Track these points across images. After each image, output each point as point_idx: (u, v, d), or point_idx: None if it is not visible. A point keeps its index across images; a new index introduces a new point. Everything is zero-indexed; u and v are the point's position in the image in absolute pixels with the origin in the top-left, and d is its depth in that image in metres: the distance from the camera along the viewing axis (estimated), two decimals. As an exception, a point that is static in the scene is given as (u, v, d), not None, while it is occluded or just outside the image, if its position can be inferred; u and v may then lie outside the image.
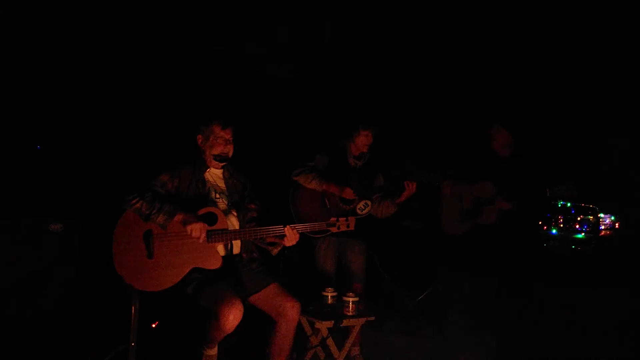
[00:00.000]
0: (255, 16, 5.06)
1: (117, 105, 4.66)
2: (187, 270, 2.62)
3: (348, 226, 2.88)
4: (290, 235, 2.72)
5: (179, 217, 2.58)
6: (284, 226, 2.71)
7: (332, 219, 2.86)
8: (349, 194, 3.44)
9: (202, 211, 2.65)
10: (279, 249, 2.85)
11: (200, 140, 2.86)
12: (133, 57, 4.78)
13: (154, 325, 3.09)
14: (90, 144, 4.49)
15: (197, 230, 2.56)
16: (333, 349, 3.10)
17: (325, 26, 5.38)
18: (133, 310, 2.66)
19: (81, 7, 4.42)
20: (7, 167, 4.03)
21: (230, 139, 2.85)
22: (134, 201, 2.57)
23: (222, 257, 2.69)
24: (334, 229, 2.87)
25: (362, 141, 3.53)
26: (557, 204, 8.19)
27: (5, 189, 3.85)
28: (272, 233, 2.73)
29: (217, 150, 2.82)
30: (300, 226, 2.77)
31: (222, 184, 2.89)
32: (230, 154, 2.87)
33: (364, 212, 3.47)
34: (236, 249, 2.82)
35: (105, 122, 4.60)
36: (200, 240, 2.59)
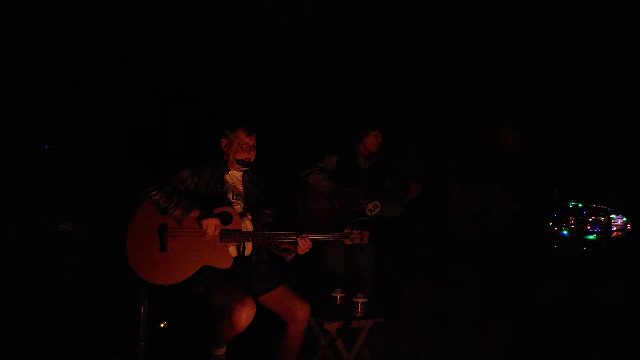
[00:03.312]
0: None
1: (128, 102, 4.68)
2: (198, 267, 2.63)
3: (362, 239, 2.89)
4: (303, 244, 2.74)
5: (195, 213, 2.61)
6: (298, 235, 2.73)
7: (347, 230, 2.89)
8: (357, 193, 3.42)
9: (217, 210, 2.68)
10: (293, 255, 2.86)
11: (224, 144, 2.88)
12: (141, 51, 4.80)
13: (162, 325, 3.10)
14: (100, 143, 4.51)
15: (212, 226, 2.58)
16: (342, 350, 3.09)
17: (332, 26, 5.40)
18: (142, 310, 2.67)
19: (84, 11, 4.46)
20: (16, 167, 4.06)
21: (254, 144, 2.88)
22: (153, 193, 2.60)
23: (234, 258, 2.70)
24: (347, 241, 2.89)
25: (372, 141, 3.51)
26: (568, 205, 8.10)
27: (14, 189, 3.88)
28: (286, 239, 2.75)
29: (241, 156, 2.85)
30: (313, 235, 2.78)
31: (240, 187, 2.92)
32: (253, 159, 2.89)
33: (374, 213, 3.46)
34: (247, 252, 2.83)
35: (117, 120, 4.61)
36: (210, 235, 2.60)
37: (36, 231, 3.25)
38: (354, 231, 2.89)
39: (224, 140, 2.88)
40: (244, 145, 2.84)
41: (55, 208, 3.54)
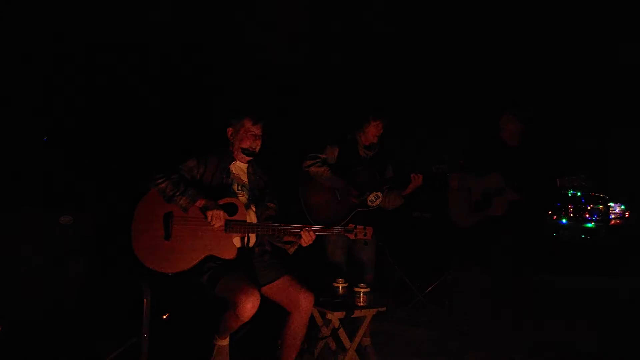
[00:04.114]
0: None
1: (126, 99, 4.65)
2: (202, 257, 2.63)
3: (365, 235, 2.91)
4: (307, 236, 2.74)
5: (200, 202, 2.63)
6: (302, 227, 2.74)
7: (350, 225, 2.91)
8: (355, 196, 3.42)
9: (223, 201, 2.69)
10: (296, 247, 2.87)
11: (230, 133, 2.91)
12: (136, 50, 4.77)
13: (164, 317, 3.11)
14: (101, 136, 4.49)
15: (217, 217, 2.59)
16: (344, 339, 3.10)
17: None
18: (145, 303, 2.67)
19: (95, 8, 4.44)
20: (15, 159, 4.04)
21: (260, 134, 2.90)
22: (160, 180, 2.62)
23: (237, 248, 2.70)
24: (351, 236, 2.91)
25: (372, 131, 3.49)
26: (568, 193, 8.13)
27: (14, 182, 3.86)
28: (290, 232, 2.76)
29: (245, 144, 2.87)
30: (318, 228, 2.79)
31: (245, 178, 2.93)
32: (258, 149, 2.91)
33: (375, 203, 3.45)
34: (251, 243, 2.83)
35: (115, 114, 4.59)
36: (217, 227, 2.61)
37: (36, 224, 3.24)
38: (358, 226, 2.90)
39: (230, 129, 2.91)
40: (250, 133, 2.86)
41: (56, 200, 3.53)
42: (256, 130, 2.87)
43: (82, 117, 4.51)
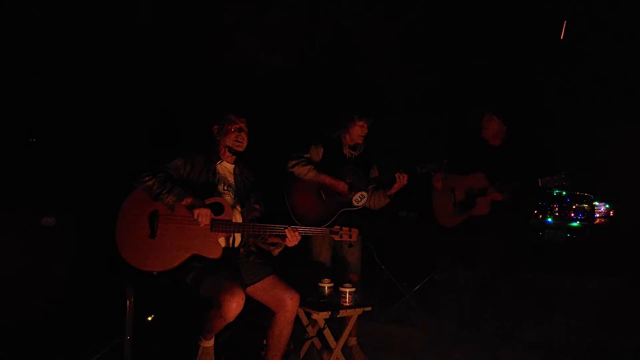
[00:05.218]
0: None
1: (112, 99, 4.62)
2: (187, 256, 2.62)
3: (350, 236, 2.92)
4: (292, 236, 2.74)
5: (187, 200, 2.62)
6: (286, 227, 2.74)
7: (336, 227, 2.92)
8: (343, 188, 3.42)
9: (209, 200, 2.68)
10: (280, 249, 2.88)
11: (215, 131, 2.92)
12: (120, 47, 4.73)
13: (149, 319, 3.08)
14: (84, 137, 4.45)
15: (203, 215, 2.59)
16: (330, 339, 3.10)
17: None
18: (128, 304, 2.65)
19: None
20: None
21: (245, 128, 2.91)
22: (146, 178, 2.61)
23: (223, 248, 2.69)
24: (336, 237, 2.92)
25: (357, 132, 3.49)
26: (553, 193, 8.23)
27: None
28: (275, 232, 2.75)
29: (230, 140, 2.88)
30: (303, 229, 2.80)
31: (231, 179, 2.93)
32: (244, 146, 2.91)
33: (360, 203, 3.46)
34: (236, 243, 2.83)
35: (100, 115, 4.55)
36: (202, 225, 2.60)
37: (18, 225, 3.20)
38: (343, 228, 2.91)
39: (216, 126, 2.92)
40: (235, 126, 2.87)
41: (38, 201, 3.49)
42: (240, 122, 2.89)
43: (65, 116, 4.47)
